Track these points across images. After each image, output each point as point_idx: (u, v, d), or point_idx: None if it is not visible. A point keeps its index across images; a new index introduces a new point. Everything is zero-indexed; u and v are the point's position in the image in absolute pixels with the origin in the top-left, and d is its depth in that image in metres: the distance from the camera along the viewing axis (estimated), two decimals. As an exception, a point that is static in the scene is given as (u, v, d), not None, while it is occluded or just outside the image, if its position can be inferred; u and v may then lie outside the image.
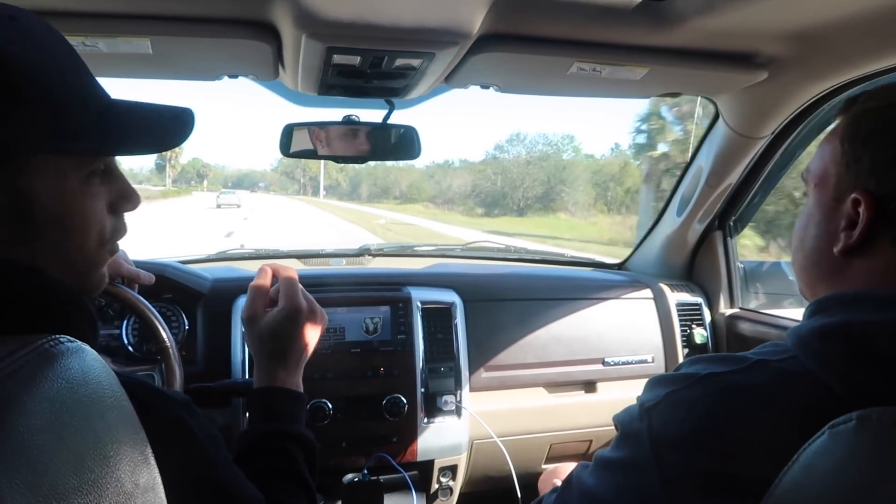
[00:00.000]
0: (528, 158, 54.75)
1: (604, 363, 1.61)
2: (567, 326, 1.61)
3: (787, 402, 0.60)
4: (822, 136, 1.41)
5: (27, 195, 0.54)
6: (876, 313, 0.60)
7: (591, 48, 1.12)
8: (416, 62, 1.07)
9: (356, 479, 1.32)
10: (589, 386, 1.63)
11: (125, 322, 1.35)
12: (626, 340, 1.65)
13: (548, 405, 1.58)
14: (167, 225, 18.77)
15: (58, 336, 0.46)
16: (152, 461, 0.50)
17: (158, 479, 0.50)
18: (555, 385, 1.60)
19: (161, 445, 0.52)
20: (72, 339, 0.47)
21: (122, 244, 1.02)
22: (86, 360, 0.47)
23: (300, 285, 1.02)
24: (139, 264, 1.15)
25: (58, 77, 0.56)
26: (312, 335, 1.01)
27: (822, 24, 1.03)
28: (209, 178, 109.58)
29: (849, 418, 0.51)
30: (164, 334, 1.13)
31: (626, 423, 0.71)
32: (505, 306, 1.59)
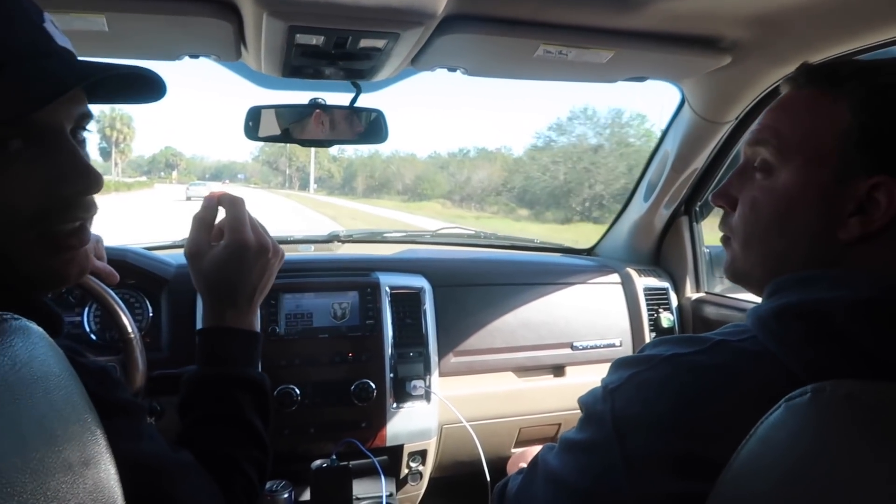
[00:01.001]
0: (593, 145, 41.74)
1: (572, 347, 1.62)
2: (536, 311, 1.61)
3: (748, 382, 0.61)
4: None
5: None
6: (830, 291, 0.60)
7: (557, 30, 1.12)
8: (380, 43, 1.06)
9: (325, 465, 1.31)
10: (557, 370, 1.64)
11: (86, 309, 1.32)
12: (594, 325, 1.66)
13: (517, 389, 1.58)
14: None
15: (2, 313, 0.44)
16: (102, 440, 0.48)
17: (107, 455, 0.49)
18: (523, 369, 1.61)
19: None
20: (17, 316, 0.45)
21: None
22: (31, 338, 0.45)
23: (249, 215, 0.93)
24: None
25: None
26: (266, 271, 0.94)
27: (781, 9, 1.04)
28: (180, 169, 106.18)
29: (804, 391, 0.52)
30: (127, 321, 1.10)
31: (590, 405, 0.71)
32: (474, 291, 1.59)
